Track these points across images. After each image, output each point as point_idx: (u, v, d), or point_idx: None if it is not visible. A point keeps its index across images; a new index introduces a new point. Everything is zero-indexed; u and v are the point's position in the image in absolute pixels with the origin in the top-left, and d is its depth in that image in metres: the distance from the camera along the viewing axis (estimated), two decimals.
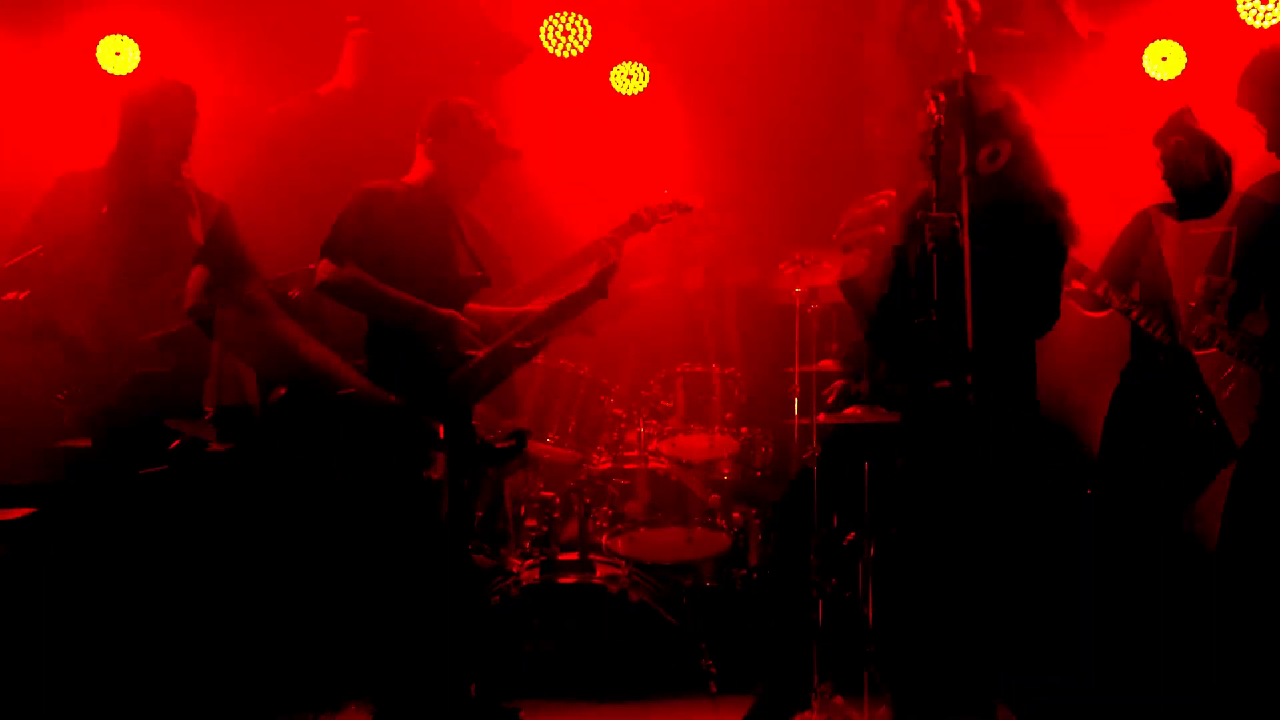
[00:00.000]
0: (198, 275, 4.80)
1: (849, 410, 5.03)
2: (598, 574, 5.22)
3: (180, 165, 4.90)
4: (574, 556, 5.29)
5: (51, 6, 6.16)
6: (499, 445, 4.62)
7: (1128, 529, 5.16)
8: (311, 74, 6.50)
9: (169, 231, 4.85)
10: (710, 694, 5.12)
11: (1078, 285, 5.15)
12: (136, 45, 6.16)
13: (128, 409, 4.68)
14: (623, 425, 5.59)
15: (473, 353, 4.62)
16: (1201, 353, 5.19)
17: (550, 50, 6.70)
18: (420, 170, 4.95)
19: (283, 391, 4.69)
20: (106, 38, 6.15)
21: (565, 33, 6.69)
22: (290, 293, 5.02)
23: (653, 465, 5.54)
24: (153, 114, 4.83)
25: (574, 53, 6.70)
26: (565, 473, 5.70)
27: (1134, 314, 5.15)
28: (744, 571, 5.62)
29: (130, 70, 6.16)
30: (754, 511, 5.55)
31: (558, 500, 5.51)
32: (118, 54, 6.13)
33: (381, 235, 4.65)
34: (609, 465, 5.50)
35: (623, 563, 5.35)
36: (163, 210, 4.85)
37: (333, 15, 6.52)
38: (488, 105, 5.03)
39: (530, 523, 5.45)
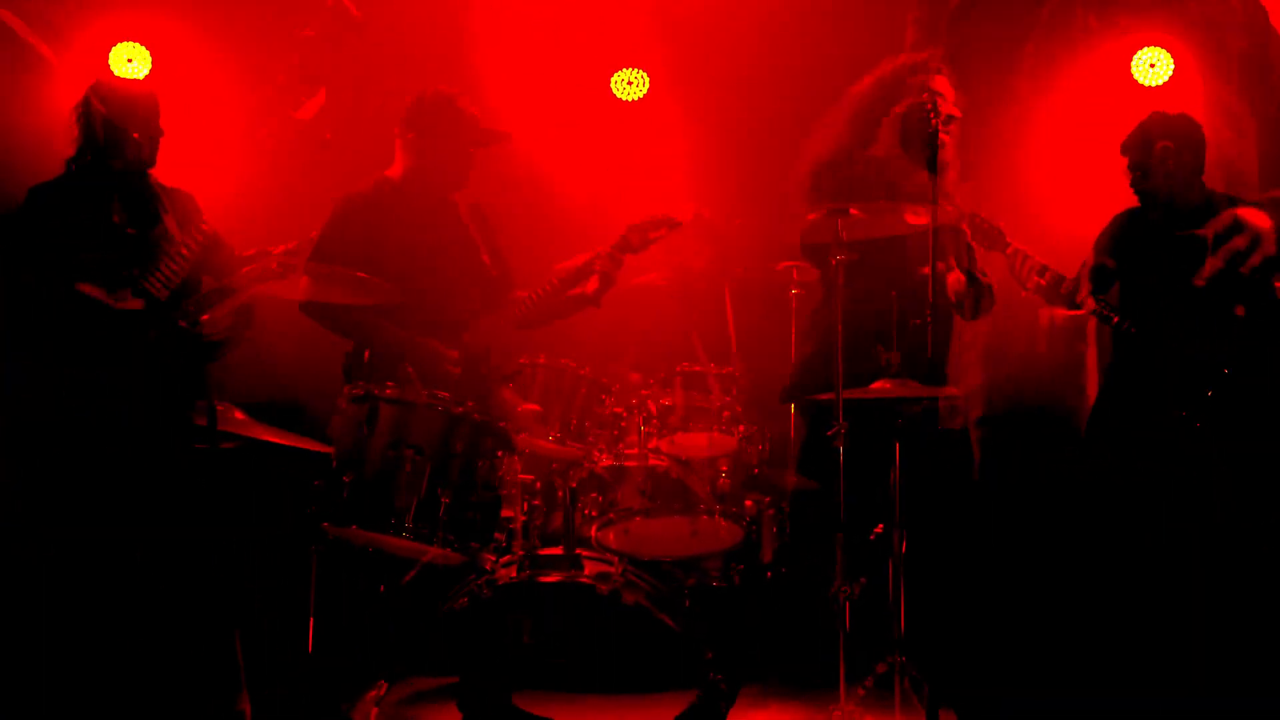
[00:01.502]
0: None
1: (876, 385, 4.81)
2: (586, 571, 4.57)
3: (147, 167, 4.69)
4: (558, 551, 4.63)
5: (63, 14, 6.28)
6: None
7: (1122, 529, 5.15)
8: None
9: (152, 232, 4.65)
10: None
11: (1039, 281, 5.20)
12: (148, 52, 6.27)
13: None
14: (623, 424, 5.27)
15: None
16: None
17: None
18: (400, 165, 5.24)
19: None
20: (118, 45, 6.25)
21: None
22: None
23: (653, 462, 5.13)
24: (120, 116, 4.59)
25: None
26: (565, 469, 5.30)
27: (1112, 317, 5.16)
28: (757, 569, 5.15)
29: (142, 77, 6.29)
30: (767, 500, 4.90)
31: (539, 486, 4.90)
32: (130, 61, 6.25)
33: (364, 237, 5.05)
34: (610, 463, 5.12)
35: (615, 559, 4.70)
36: (140, 210, 4.65)
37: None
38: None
39: (506, 513, 4.81)
